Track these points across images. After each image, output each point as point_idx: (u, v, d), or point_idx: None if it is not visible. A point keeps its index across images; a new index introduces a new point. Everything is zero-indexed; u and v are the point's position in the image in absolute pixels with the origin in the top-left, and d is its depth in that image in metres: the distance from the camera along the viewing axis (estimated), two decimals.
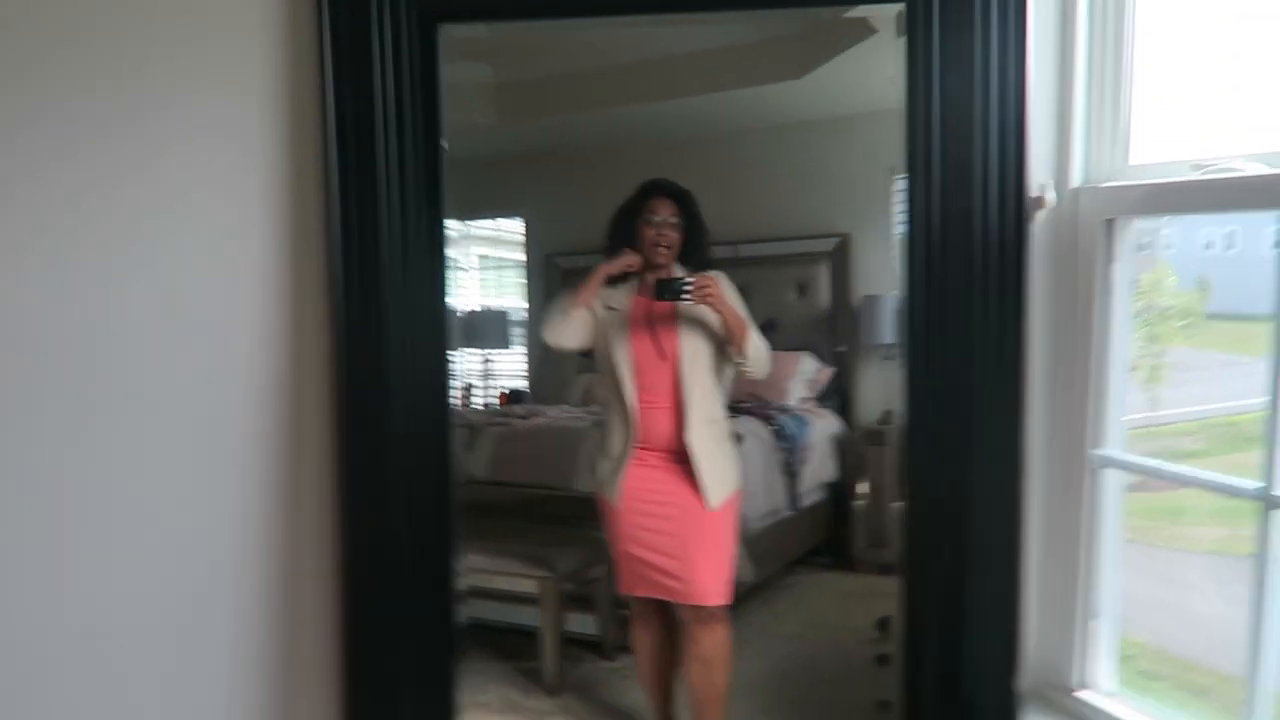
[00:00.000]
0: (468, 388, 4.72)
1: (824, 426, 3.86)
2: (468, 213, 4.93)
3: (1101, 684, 1.80)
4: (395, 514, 1.93)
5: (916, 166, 1.70)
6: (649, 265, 2.33)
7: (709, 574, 2.26)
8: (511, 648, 3.06)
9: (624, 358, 2.27)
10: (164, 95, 1.92)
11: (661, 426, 2.28)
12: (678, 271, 2.30)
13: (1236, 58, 1.60)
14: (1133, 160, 1.72)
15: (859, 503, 3.83)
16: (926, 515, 1.71)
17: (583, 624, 3.03)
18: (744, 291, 2.32)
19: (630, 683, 2.77)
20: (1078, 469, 1.73)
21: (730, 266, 2.38)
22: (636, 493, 2.30)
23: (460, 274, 5.02)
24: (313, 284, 1.95)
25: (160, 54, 1.91)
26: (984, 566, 1.66)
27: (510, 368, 4.86)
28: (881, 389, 4.02)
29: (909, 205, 1.72)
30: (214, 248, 1.97)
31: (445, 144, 1.91)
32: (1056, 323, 1.79)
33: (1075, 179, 1.76)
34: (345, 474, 1.92)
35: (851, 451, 3.87)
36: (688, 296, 2.12)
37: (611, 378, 2.31)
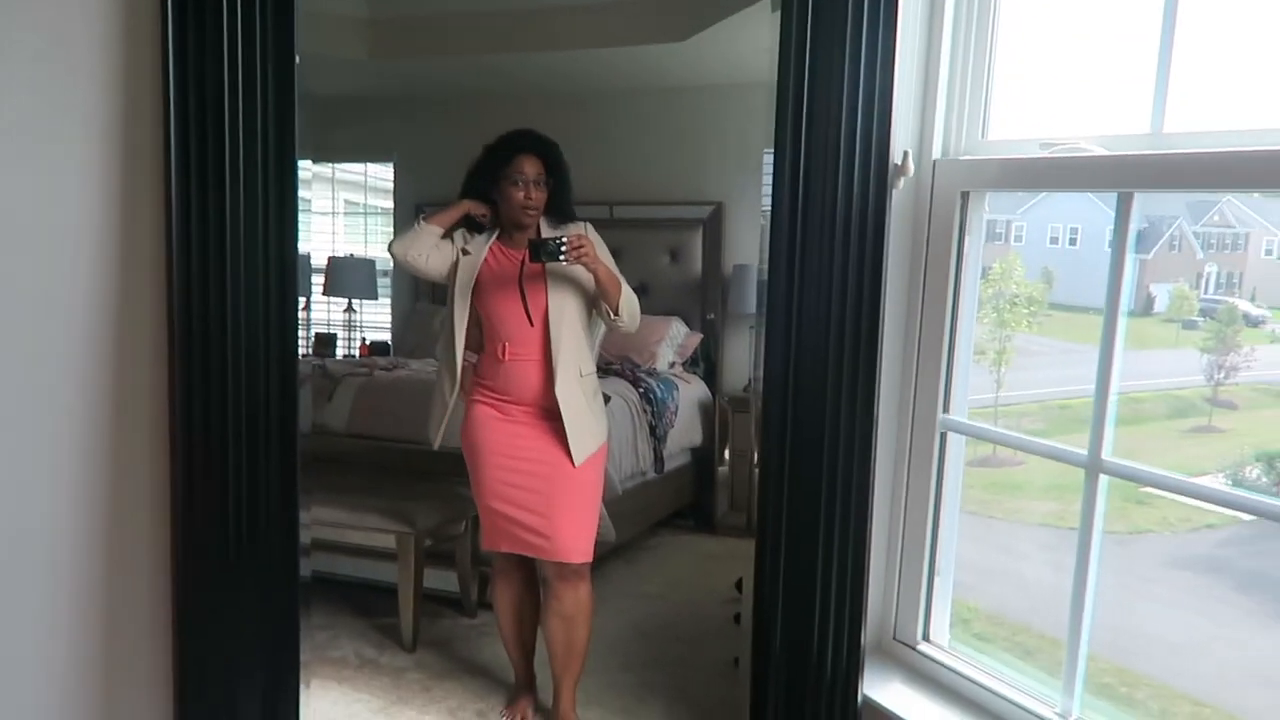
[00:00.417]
0: (331, 337, 4.56)
1: (691, 392, 3.91)
2: (333, 155, 4.73)
3: (939, 638, 1.90)
4: (234, 467, 1.84)
5: (784, 138, 1.72)
6: (515, 225, 2.27)
7: (573, 531, 2.25)
8: (369, 604, 2.99)
9: (484, 307, 2.23)
10: None
11: (529, 380, 2.24)
12: (543, 227, 2.26)
13: (1087, 44, 1.69)
14: (991, 136, 1.79)
15: (722, 468, 3.93)
16: (779, 478, 1.75)
17: (443, 580, 2.99)
18: (617, 254, 2.30)
19: (490, 639, 2.76)
20: (927, 434, 1.81)
21: (605, 227, 2.35)
22: (502, 448, 2.27)
23: (324, 219, 4.83)
24: (144, 221, 1.81)
25: None
26: (833, 529, 1.71)
27: (375, 319, 4.72)
28: (747, 357, 4.11)
29: (774, 175, 1.74)
30: (27, 184, 1.79)
31: (299, 65, 1.78)
32: (910, 291, 1.86)
33: (935, 151, 1.82)
34: (180, 427, 1.82)
35: (717, 417, 3.95)
36: (563, 258, 2.08)
37: (451, 327, 2.25)
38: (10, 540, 1.88)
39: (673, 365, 4.01)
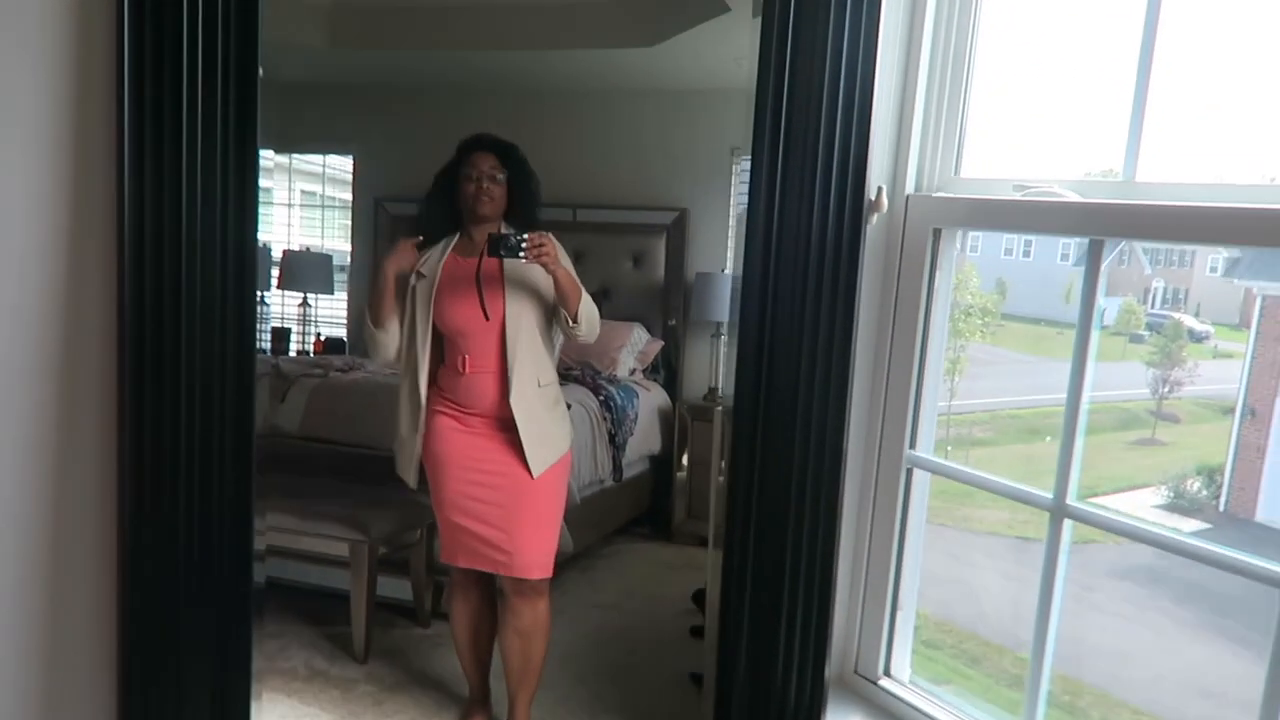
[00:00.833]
0: (285, 333, 4.46)
1: (650, 399, 3.91)
2: (291, 144, 4.62)
3: (901, 673, 1.92)
4: (185, 467, 1.78)
5: (761, 149, 1.71)
6: (473, 219, 2.25)
7: (533, 547, 2.24)
8: (320, 612, 2.93)
9: (441, 317, 2.20)
10: None
11: (485, 391, 2.22)
12: (505, 231, 2.23)
13: (1063, 87, 1.71)
14: (964, 173, 1.80)
15: (680, 474, 3.93)
16: (748, 497, 1.75)
17: (396, 589, 2.95)
18: (579, 258, 2.28)
19: (443, 650, 2.73)
20: (893, 469, 1.83)
21: (567, 230, 2.33)
22: (462, 460, 2.24)
23: (281, 210, 4.71)
24: (94, 209, 1.74)
25: None
26: (800, 556, 1.72)
27: (331, 313, 4.63)
28: (708, 365, 4.11)
29: (750, 187, 1.73)
30: None
31: (261, 69, 1.73)
32: (879, 324, 1.86)
33: (908, 186, 1.83)
34: (128, 425, 1.75)
35: (676, 425, 3.95)
36: (523, 254, 2.05)
37: (413, 340, 2.22)
38: None
39: (633, 372, 3.99)
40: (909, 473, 1.83)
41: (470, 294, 2.19)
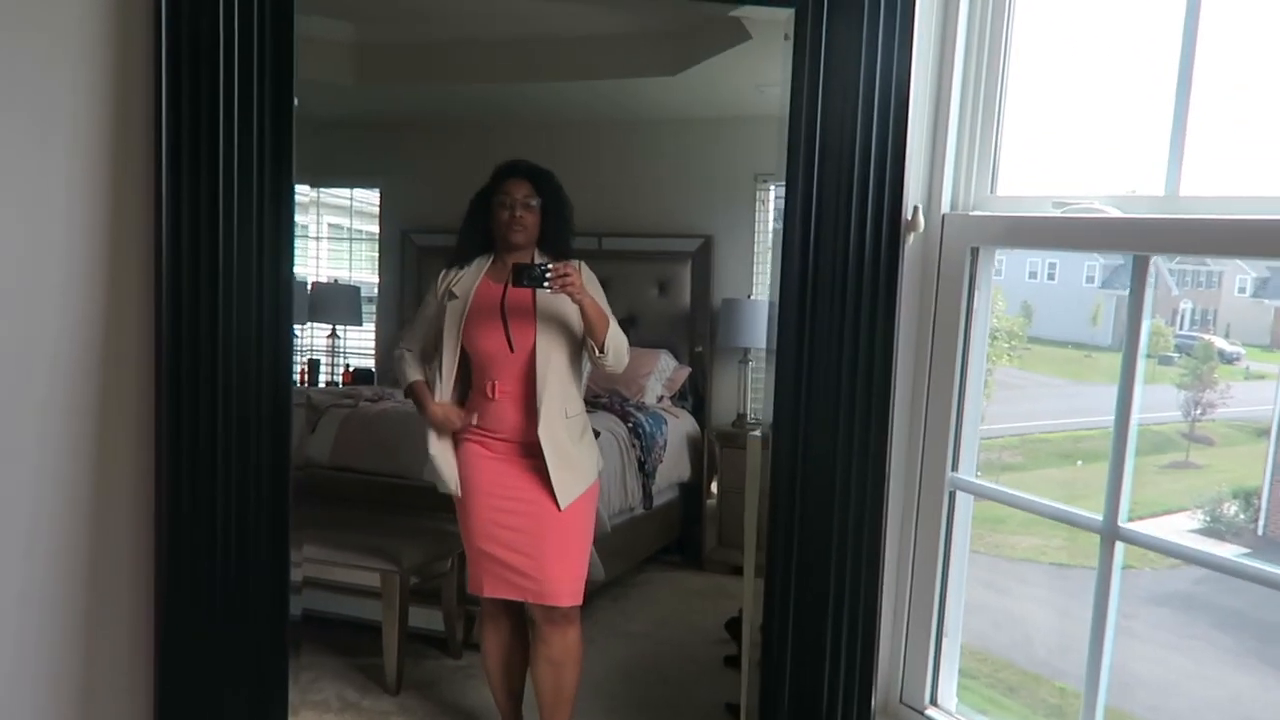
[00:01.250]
0: (314, 364, 4.49)
1: (679, 426, 3.89)
2: (320, 178, 4.68)
3: (947, 703, 1.88)
4: (223, 501, 1.78)
5: (795, 173, 1.71)
6: (505, 247, 2.25)
7: (563, 574, 2.22)
8: (351, 643, 2.91)
9: (472, 343, 2.20)
10: None
11: (513, 417, 2.21)
12: (538, 258, 2.24)
13: (1099, 102, 1.70)
14: (999, 191, 1.79)
15: (710, 501, 3.90)
16: (789, 525, 1.73)
17: (428, 619, 2.93)
18: (605, 285, 2.28)
19: (475, 682, 2.70)
20: (935, 492, 1.80)
21: (593, 258, 2.32)
22: (490, 488, 2.23)
23: (309, 243, 4.76)
24: (134, 243, 1.76)
25: None
26: (844, 584, 1.69)
27: (359, 344, 4.65)
28: (736, 392, 4.09)
29: (785, 211, 1.73)
30: (12, 206, 1.74)
31: (295, 99, 1.75)
32: (918, 344, 1.85)
33: (944, 205, 1.82)
34: (167, 458, 1.76)
35: (705, 452, 3.93)
36: (547, 284, 2.05)
37: (441, 362, 2.23)
38: None
39: (661, 399, 3.98)
40: (952, 496, 1.80)
41: (495, 321, 2.19)
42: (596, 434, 2.48)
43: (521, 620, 2.37)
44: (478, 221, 2.27)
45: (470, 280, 2.25)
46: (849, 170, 1.68)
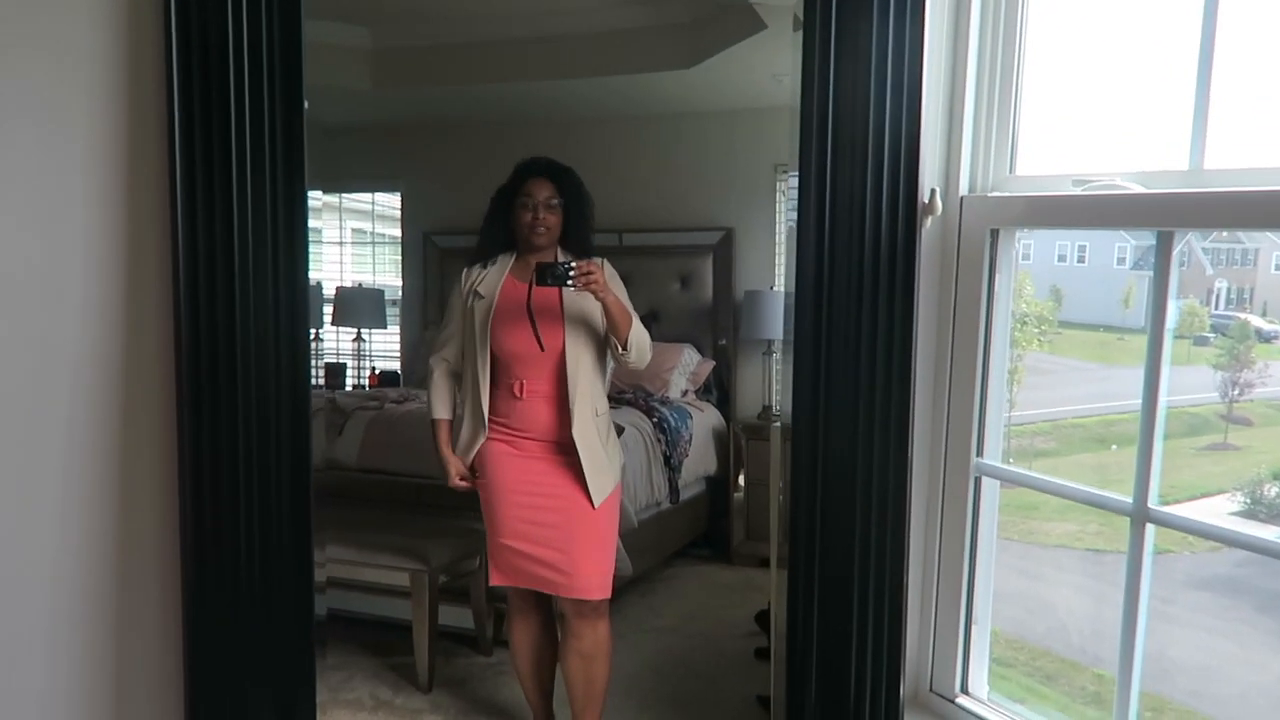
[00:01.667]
0: (340, 368, 4.53)
1: (704, 420, 3.88)
2: (341, 184, 4.72)
3: (978, 691, 1.85)
4: (245, 503, 1.80)
5: (809, 161, 1.69)
6: (528, 247, 2.25)
7: (592, 568, 2.21)
8: (382, 642, 2.94)
9: (499, 343, 2.20)
10: None
11: (542, 416, 2.21)
12: (560, 257, 2.23)
13: (1118, 78, 1.67)
14: (1018, 171, 1.76)
15: (737, 494, 3.88)
16: (811, 515, 1.71)
17: (458, 618, 2.94)
18: (626, 281, 2.27)
19: (506, 679, 2.71)
20: (960, 478, 1.77)
21: (613, 255, 2.32)
22: (518, 485, 2.23)
23: (332, 248, 4.80)
24: (150, 251, 1.78)
25: None
26: (869, 570, 1.67)
27: (383, 347, 4.69)
28: (761, 384, 4.07)
29: (799, 200, 1.71)
30: (31, 210, 1.77)
31: (306, 102, 1.76)
32: (939, 329, 1.82)
33: (961, 187, 1.79)
34: (189, 462, 1.78)
35: (731, 445, 3.91)
36: (571, 283, 2.04)
37: (474, 361, 2.23)
38: (16, 582, 1.84)
39: (685, 393, 3.97)
40: (977, 482, 1.78)
41: (522, 321, 2.19)
42: (620, 430, 2.48)
43: (549, 615, 2.37)
44: (499, 219, 2.27)
45: (495, 279, 2.24)
46: (863, 156, 1.65)
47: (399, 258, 4.68)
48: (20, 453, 1.81)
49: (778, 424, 2.37)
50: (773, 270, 4.02)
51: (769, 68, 3.58)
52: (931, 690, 1.90)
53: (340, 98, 3.94)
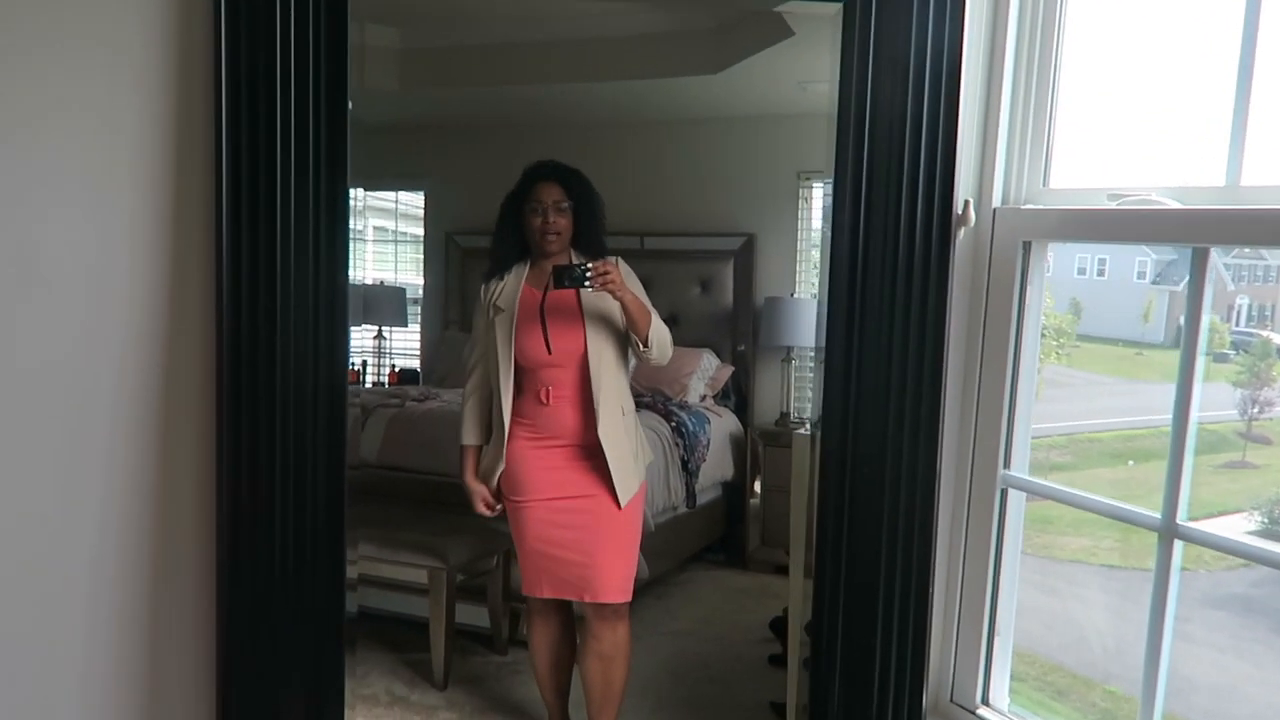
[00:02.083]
0: (362, 365, 4.55)
1: (722, 425, 3.87)
2: (366, 182, 4.75)
3: (999, 702, 1.85)
4: (280, 498, 1.82)
5: (844, 169, 1.70)
6: (541, 253, 2.26)
7: (615, 571, 2.23)
8: (398, 638, 2.95)
9: (523, 351, 2.21)
10: (30, 35, 1.73)
11: (569, 420, 2.22)
12: (574, 258, 2.24)
13: (1155, 92, 1.67)
14: (1052, 184, 1.76)
15: (754, 500, 3.88)
16: (839, 524, 1.72)
17: (475, 616, 2.96)
18: (647, 284, 2.28)
19: (522, 678, 2.72)
20: (987, 489, 1.77)
21: (635, 258, 2.33)
22: (545, 489, 2.24)
23: (357, 246, 4.82)
24: (195, 247, 1.81)
25: None
26: (895, 578, 1.68)
27: (404, 345, 4.70)
28: (779, 390, 4.07)
29: (834, 209, 1.72)
30: (80, 206, 1.79)
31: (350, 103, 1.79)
32: (968, 340, 1.82)
33: (995, 198, 1.79)
34: (226, 456, 1.80)
35: (749, 451, 3.91)
36: (588, 283, 2.05)
37: (497, 373, 2.24)
38: (53, 570, 1.86)
39: (704, 398, 3.97)
40: (1004, 493, 1.78)
41: (541, 326, 2.19)
42: None
43: (569, 617, 2.38)
44: (510, 225, 2.28)
45: (513, 291, 2.26)
46: (898, 165, 1.66)
47: (420, 256, 4.70)
48: (64, 441, 1.84)
49: (802, 430, 2.38)
50: (794, 277, 4.02)
51: (795, 75, 3.58)
52: (952, 700, 1.90)
53: (368, 97, 3.96)
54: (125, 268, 1.81)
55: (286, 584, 1.85)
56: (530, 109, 4.18)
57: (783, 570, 3.06)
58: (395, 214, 4.90)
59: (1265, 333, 3.84)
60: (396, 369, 4.56)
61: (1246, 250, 3.25)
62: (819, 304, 1.74)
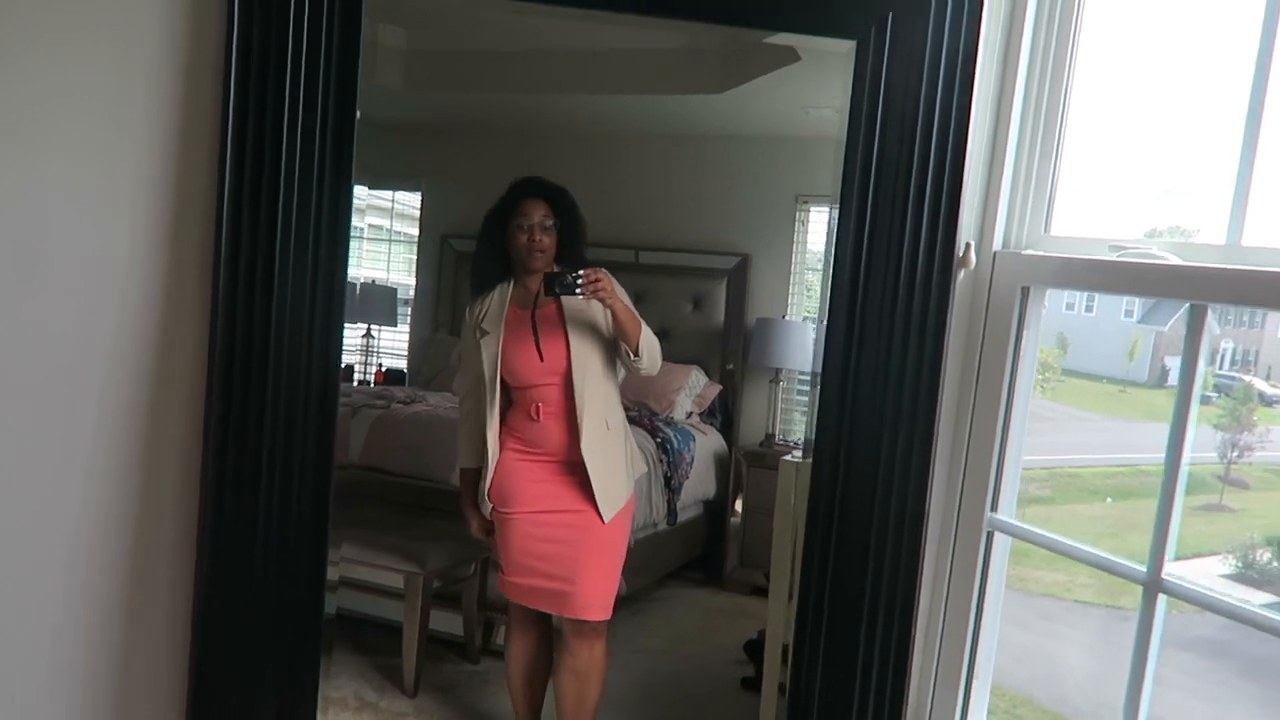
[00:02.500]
0: (349, 366, 4.52)
1: (707, 443, 3.88)
2: (365, 180, 4.73)
3: None
4: (265, 495, 1.79)
5: (850, 198, 1.70)
6: (525, 269, 2.25)
7: (595, 588, 2.22)
8: (370, 642, 2.93)
9: (510, 371, 2.19)
10: (38, 23, 1.72)
11: (558, 434, 2.21)
12: (561, 269, 2.24)
13: (1159, 148, 1.69)
14: (1053, 231, 1.78)
15: (734, 519, 3.89)
16: (825, 553, 1.72)
17: (449, 623, 2.94)
18: (640, 299, 2.28)
19: (493, 688, 2.71)
20: (973, 532, 1.78)
21: (629, 272, 2.33)
22: (533, 503, 2.23)
23: (352, 243, 4.79)
24: (193, 240, 1.79)
25: None
26: (878, 612, 1.68)
27: (392, 345, 4.68)
28: (765, 412, 4.08)
29: (837, 236, 1.72)
30: (81, 191, 1.77)
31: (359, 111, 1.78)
32: (961, 381, 1.83)
33: (996, 242, 1.81)
34: (214, 453, 1.77)
35: (732, 471, 3.91)
36: (579, 291, 2.04)
37: (478, 384, 2.22)
38: (31, 551, 1.84)
39: (690, 415, 3.98)
40: (989, 536, 1.79)
41: (528, 342, 2.18)
42: None
43: (548, 631, 2.37)
44: (494, 240, 2.27)
45: (497, 312, 2.24)
46: (903, 204, 1.67)
47: (413, 257, 4.68)
48: (49, 432, 1.82)
49: (788, 456, 2.38)
50: (786, 300, 4.03)
51: (799, 99, 3.60)
52: None
53: (373, 95, 3.95)
54: (124, 256, 1.79)
55: (267, 581, 1.82)
56: (533, 117, 4.18)
57: (759, 591, 3.06)
58: (391, 213, 4.88)
59: (1248, 378, 3.88)
60: (383, 368, 4.54)
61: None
62: (817, 330, 1.74)
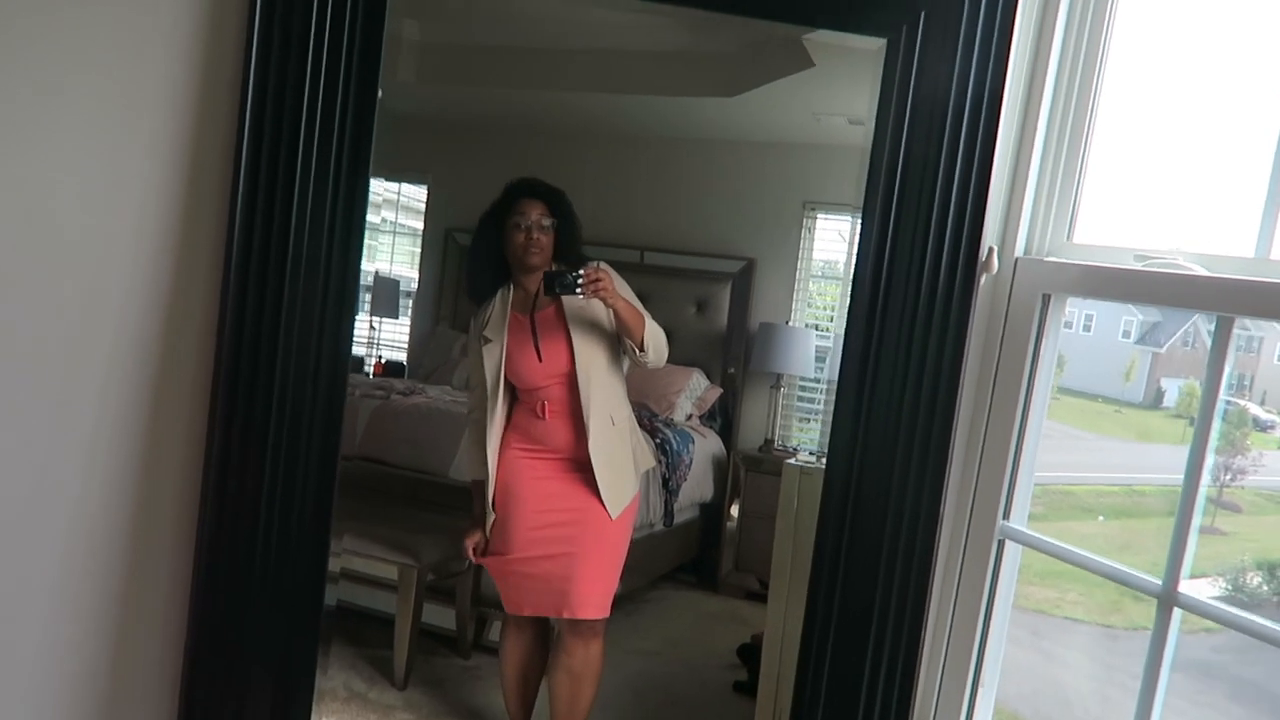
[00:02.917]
0: (359, 357, 4.49)
1: (706, 446, 3.85)
2: (377, 171, 4.70)
3: None
4: (269, 486, 1.78)
5: (874, 205, 1.69)
6: (522, 269, 2.24)
7: (595, 586, 2.20)
8: (362, 633, 2.89)
9: (516, 375, 2.18)
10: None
11: (564, 432, 2.20)
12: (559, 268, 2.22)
13: (1188, 157, 1.68)
14: (1076, 239, 1.77)
15: (730, 525, 3.87)
16: (835, 562, 1.71)
17: (441, 617, 2.91)
18: (643, 300, 2.27)
19: (483, 684, 2.67)
20: (984, 539, 1.76)
21: (634, 272, 2.32)
22: (537, 501, 2.22)
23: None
24: (206, 230, 1.77)
25: None
26: (887, 620, 1.67)
27: (392, 337, 4.65)
28: (765, 416, 4.06)
29: (860, 242, 1.71)
30: (92, 165, 1.75)
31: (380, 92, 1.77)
32: (978, 387, 1.82)
33: (1018, 248, 1.79)
34: (216, 441, 1.76)
35: (730, 474, 3.89)
36: (579, 290, 2.03)
37: (483, 390, 2.21)
38: (32, 534, 1.81)
39: (690, 417, 3.96)
40: (1000, 545, 1.77)
41: (529, 344, 2.17)
42: None
43: (545, 630, 2.35)
44: (490, 240, 2.26)
45: (500, 319, 2.24)
46: (928, 206, 1.66)
47: (417, 250, 4.66)
48: (52, 417, 1.80)
49: (791, 460, 2.37)
50: (790, 305, 4.02)
51: (810, 105, 3.59)
52: None
53: (384, 87, 3.93)
54: (130, 245, 1.77)
55: (268, 570, 1.81)
56: (543, 114, 4.16)
57: (753, 596, 3.04)
58: (396, 205, 4.86)
59: (1243, 402, 3.88)
60: (383, 360, 4.51)
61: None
62: (834, 337, 1.73)
